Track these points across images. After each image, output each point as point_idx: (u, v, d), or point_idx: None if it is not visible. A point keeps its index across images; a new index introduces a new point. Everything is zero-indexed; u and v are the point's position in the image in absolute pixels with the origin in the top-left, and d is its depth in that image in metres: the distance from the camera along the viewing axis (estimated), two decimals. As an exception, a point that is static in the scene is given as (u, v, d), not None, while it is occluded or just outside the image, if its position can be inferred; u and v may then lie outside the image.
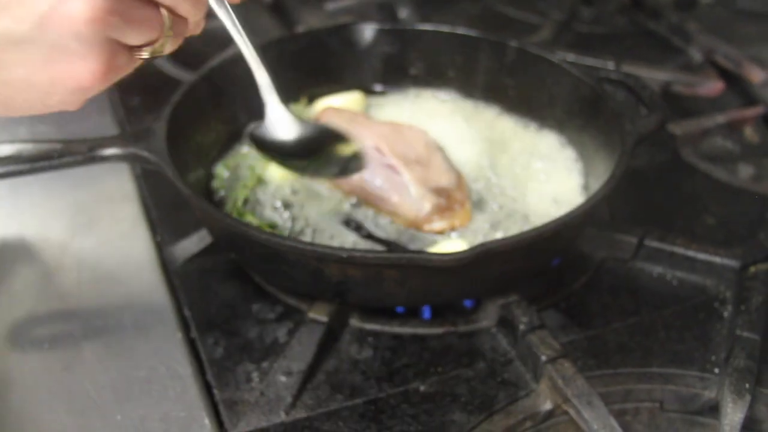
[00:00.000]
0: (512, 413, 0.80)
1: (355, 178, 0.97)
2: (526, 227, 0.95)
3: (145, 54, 0.67)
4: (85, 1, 0.59)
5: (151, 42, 0.66)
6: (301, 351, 0.84)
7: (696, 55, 1.30)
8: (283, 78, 1.05)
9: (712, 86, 1.22)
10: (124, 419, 0.80)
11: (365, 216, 0.99)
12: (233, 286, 0.93)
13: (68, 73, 0.62)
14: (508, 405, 0.81)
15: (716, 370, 0.83)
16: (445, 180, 1.00)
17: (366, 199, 1.00)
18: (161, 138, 0.91)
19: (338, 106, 1.10)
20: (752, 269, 0.91)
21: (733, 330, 0.85)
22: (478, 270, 0.82)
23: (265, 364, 0.85)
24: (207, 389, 0.83)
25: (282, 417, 0.80)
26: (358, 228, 0.97)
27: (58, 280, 0.91)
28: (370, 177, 0.99)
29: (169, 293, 0.92)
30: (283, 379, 0.82)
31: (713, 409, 0.81)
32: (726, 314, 0.89)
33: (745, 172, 1.12)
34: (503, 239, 0.81)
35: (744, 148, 1.17)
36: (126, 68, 0.67)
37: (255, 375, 0.84)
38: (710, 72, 1.26)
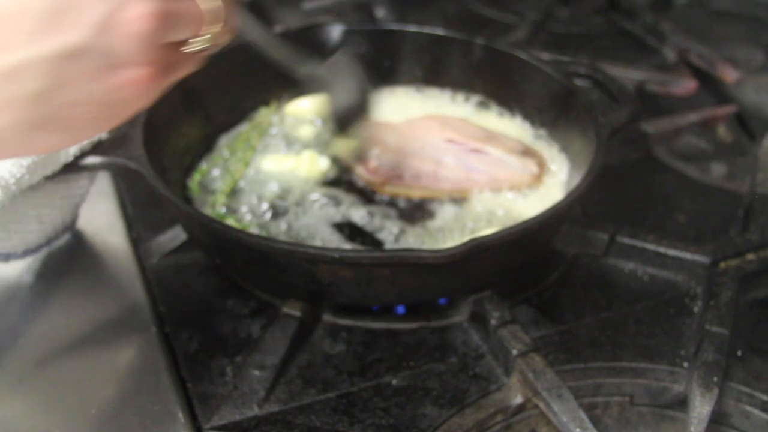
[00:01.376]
0: (483, 407, 0.81)
1: (457, 176, 1.01)
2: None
3: (192, 48, 0.67)
4: (143, 3, 0.60)
5: (194, 35, 0.66)
6: (274, 346, 0.85)
7: (670, 55, 1.31)
8: (253, 81, 1.07)
9: (686, 85, 1.23)
10: (98, 413, 0.80)
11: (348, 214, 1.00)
12: (208, 282, 0.94)
13: (128, 81, 0.62)
14: (479, 399, 0.81)
15: (685, 364, 0.84)
16: (516, 143, 1.06)
17: (473, 188, 1.02)
18: (139, 144, 0.90)
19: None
20: (722, 265, 0.92)
21: (702, 325, 0.86)
22: (468, 265, 0.83)
23: (238, 359, 0.85)
24: (181, 383, 0.83)
25: (255, 411, 0.80)
26: (346, 229, 0.98)
27: (32, 274, 0.91)
28: (467, 168, 1.02)
29: (145, 289, 0.92)
30: (256, 373, 0.83)
31: (682, 403, 0.82)
32: (696, 309, 0.90)
33: (717, 170, 1.13)
34: (495, 233, 0.82)
35: (717, 147, 1.18)
36: (182, 68, 0.67)
37: (228, 369, 0.84)
38: (684, 71, 1.27)
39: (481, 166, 1.02)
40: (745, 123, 1.22)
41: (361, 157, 1.02)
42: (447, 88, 1.19)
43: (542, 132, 1.11)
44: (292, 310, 0.87)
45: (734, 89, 1.26)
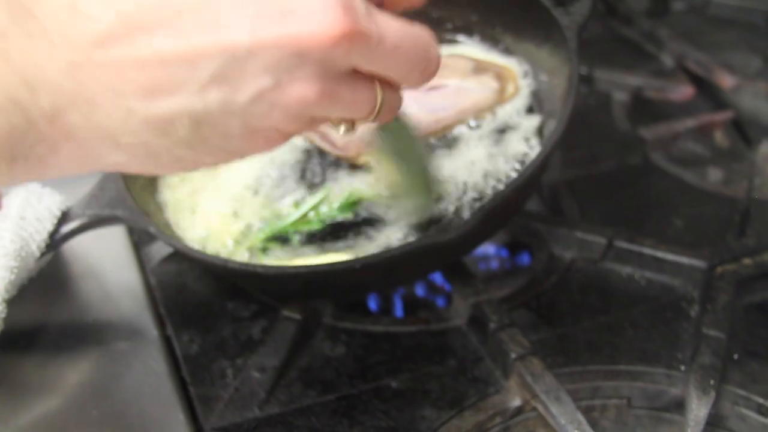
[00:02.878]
0: (482, 409, 0.81)
1: (426, 122, 0.97)
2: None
3: (340, 131, 0.65)
4: (311, 84, 0.55)
5: (356, 120, 0.64)
6: (274, 348, 0.85)
7: (668, 61, 1.31)
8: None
9: (683, 91, 1.23)
10: (100, 415, 0.81)
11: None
12: (208, 285, 0.95)
13: (258, 146, 0.60)
14: (478, 401, 0.82)
15: (682, 368, 0.85)
16: (464, 62, 1.04)
17: (443, 129, 0.99)
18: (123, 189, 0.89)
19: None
20: (719, 270, 0.93)
21: (700, 328, 0.87)
22: (478, 234, 0.84)
23: (239, 361, 0.86)
24: (182, 385, 0.84)
25: (256, 412, 0.81)
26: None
27: (35, 279, 0.92)
28: (431, 110, 0.99)
29: (146, 292, 0.93)
30: (256, 375, 0.83)
31: (679, 406, 0.82)
32: (693, 313, 0.91)
33: (714, 175, 1.14)
34: (498, 194, 0.82)
35: (714, 153, 1.19)
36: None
37: (229, 371, 0.85)
38: (681, 77, 1.27)
39: (443, 102, 1.00)
40: (742, 128, 1.22)
41: (324, 137, 0.99)
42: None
43: (499, 48, 1.08)
44: (292, 313, 0.87)
45: (731, 95, 1.26)
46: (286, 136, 0.60)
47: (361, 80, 0.59)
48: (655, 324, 0.90)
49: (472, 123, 1.00)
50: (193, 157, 0.58)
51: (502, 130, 0.98)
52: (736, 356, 0.86)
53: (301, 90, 0.55)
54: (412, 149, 0.79)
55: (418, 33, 0.60)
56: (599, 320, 0.91)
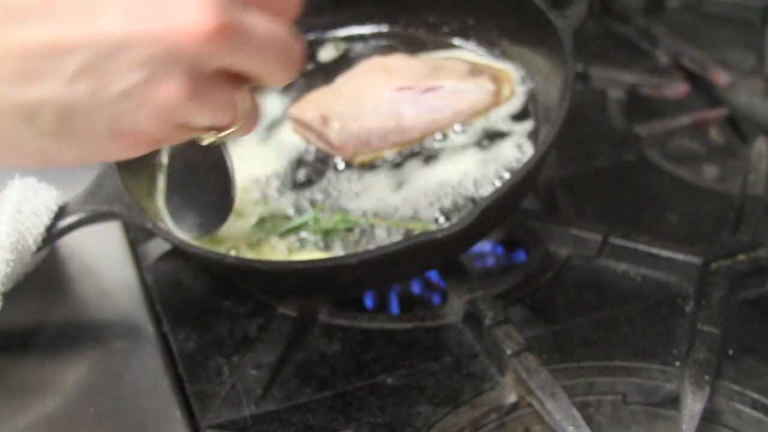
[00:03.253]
0: (477, 405, 0.82)
1: (422, 123, 0.99)
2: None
3: (207, 140, 0.65)
4: (181, 82, 0.55)
5: (221, 127, 0.64)
6: (270, 345, 0.86)
7: (663, 58, 1.32)
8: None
9: (678, 88, 1.24)
10: (97, 413, 0.81)
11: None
12: (205, 283, 0.95)
13: (123, 148, 0.60)
14: (473, 397, 0.82)
15: (678, 364, 0.85)
16: (461, 65, 1.04)
17: (438, 130, 1.00)
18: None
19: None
20: (713, 266, 0.93)
21: (694, 324, 0.87)
22: (474, 231, 0.84)
23: (235, 358, 0.86)
24: (178, 382, 0.84)
25: (252, 409, 0.81)
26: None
27: (31, 275, 0.92)
28: (427, 111, 1.00)
29: (142, 289, 0.93)
30: (253, 372, 0.84)
31: (674, 401, 0.83)
32: (688, 309, 0.91)
33: (709, 172, 1.15)
34: (494, 193, 0.82)
35: (709, 149, 1.19)
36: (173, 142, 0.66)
37: (225, 368, 0.85)
38: (676, 74, 1.27)
39: (439, 103, 1.00)
40: (736, 125, 1.23)
41: (321, 136, 0.99)
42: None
43: (495, 52, 1.08)
44: (288, 310, 0.88)
45: (726, 92, 1.27)
46: (151, 142, 0.60)
47: (227, 84, 0.60)
48: (651, 320, 0.91)
49: (458, 128, 1.00)
50: (56, 151, 0.59)
51: (495, 136, 0.99)
52: (731, 352, 0.87)
53: (171, 88, 0.55)
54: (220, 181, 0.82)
55: (284, 29, 0.60)
56: (594, 316, 0.91)
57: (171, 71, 0.55)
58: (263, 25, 0.58)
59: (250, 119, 0.66)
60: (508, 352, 0.83)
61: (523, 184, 0.85)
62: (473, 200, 0.92)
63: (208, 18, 0.53)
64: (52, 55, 0.53)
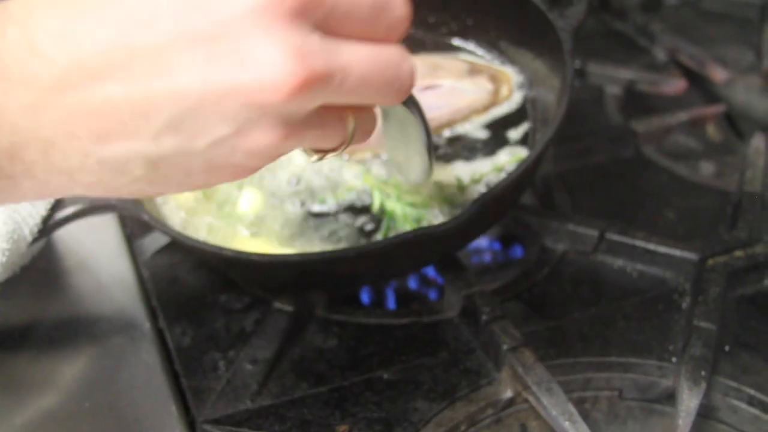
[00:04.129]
0: (474, 401, 0.82)
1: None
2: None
3: (312, 159, 0.63)
4: (272, 131, 0.53)
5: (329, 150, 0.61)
6: (266, 340, 0.86)
7: (660, 55, 1.32)
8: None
9: (676, 85, 1.24)
10: (93, 408, 0.81)
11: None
12: (201, 278, 0.95)
13: (225, 179, 0.58)
14: (470, 393, 0.82)
15: (674, 359, 0.85)
16: (460, 64, 1.04)
17: (437, 128, 1.00)
18: None
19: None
20: (710, 262, 0.93)
21: (691, 320, 0.87)
22: (473, 226, 0.84)
23: (231, 353, 0.86)
24: (175, 378, 0.84)
25: (248, 404, 0.81)
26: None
27: (28, 268, 0.92)
28: (426, 109, 0.98)
29: (138, 284, 0.93)
30: (249, 367, 0.84)
31: (671, 397, 0.82)
32: (684, 305, 0.91)
33: (706, 169, 1.14)
34: (494, 188, 0.82)
35: (706, 146, 1.19)
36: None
37: (221, 363, 0.85)
38: (674, 71, 1.27)
39: (437, 101, 1.01)
40: (734, 122, 1.23)
41: None
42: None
43: (493, 53, 1.08)
44: (284, 305, 0.88)
45: (724, 89, 1.27)
46: (254, 169, 0.58)
47: (329, 114, 0.57)
48: (647, 316, 0.90)
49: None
50: (155, 190, 0.58)
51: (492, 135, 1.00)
52: (727, 348, 0.87)
53: (263, 137, 0.53)
54: (416, 132, 0.77)
55: (386, 55, 0.56)
56: (591, 312, 0.91)
57: (259, 123, 0.52)
58: (361, 58, 0.54)
59: (363, 130, 0.61)
60: (505, 347, 0.82)
61: (522, 180, 0.85)
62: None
63: (293, 69, 0.50)
64: (134, 113, 0.51)
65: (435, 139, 0.99)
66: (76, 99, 0.51)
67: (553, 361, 0.84)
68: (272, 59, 0.50)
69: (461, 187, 0.93)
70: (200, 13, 0.50)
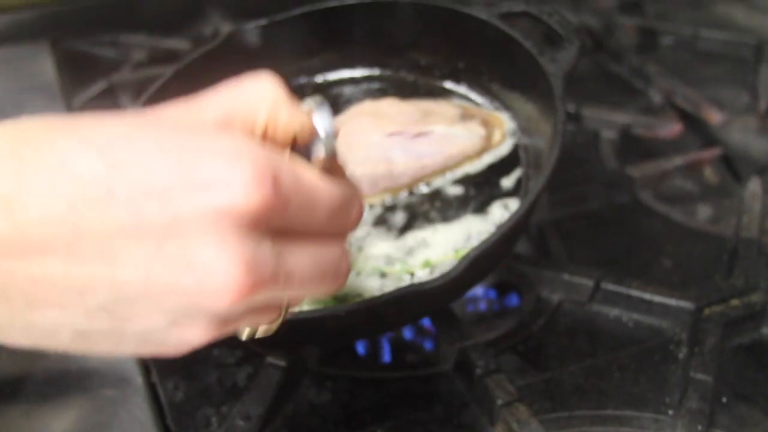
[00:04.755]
0: (468, 457, 0.81)
1: (412, 168, 0.98)
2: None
3: (245, 335, 0.61)
4: (206, 330, 0.53)
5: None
6: (259, 395, 0.85)
7: (656, 97, 1.32)
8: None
9: (671, 128, 1.23)
10: (83, 463, 0.81)
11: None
12: (194, 331, 0.94)
13: (160, 349, 0.56)
14: (463, 448, 0.82)
15: (670, 412, 0.84)
16: (452, 109, 1.03)
17: (429, 176, 0.99)
18: None
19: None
20: (707, 311, 0.92)
21: (687, 372, 0.86)
22: (465, 281, 0.83)
23: (224, 408, 0.85)
24: (167, 433, 0.84)
25: (240, 462, 0.81)
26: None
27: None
28: (417, 156, 0.99)
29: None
30: (241, 423, 0.83)
31: (667, 451, 0.82)
32: (681, 356, 0.90)
33: (703, 213, 1.14)
34: (485, 242, 0.79)
35: (703, 189, 1.19)
36: None
37: (214, 419, 0.84)
38: (670, 114, 1.27)
39: (429, 149, 1.00)
40: (731, 164, 1.23)
41: None
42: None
43: (485, 96, 1.08)
44: (277, 359, 0.87)
45: (720, 130, 1.27)
46: (186, 352, 0.57)
47: (265, 306, 0.56)
48: (643, 367, 0.90)
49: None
50: (82, 352, 0.55)
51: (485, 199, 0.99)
52: (724, 399, 0.86)
53: (198, 331, 0.53)
54: None
55: (329, 257, 0.56)
56: (586, 363, 0.90)
57: (196, 320, 0.52)
58: (306, 262, 0.54)
59: (296, 302, 0.61)
60: (499, 402, 0.82)
61: (513, 232, 0.84)
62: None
63: (240, 280, 0.50)
64: (69, 290, 0.50)
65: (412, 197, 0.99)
66: (14, 266, 0.49)
67: (549, 415, 0.84)
68: (221, 268, 0.49)
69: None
70: (157, 204, 0.49)
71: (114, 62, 1.48)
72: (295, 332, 0.82)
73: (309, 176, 0.55)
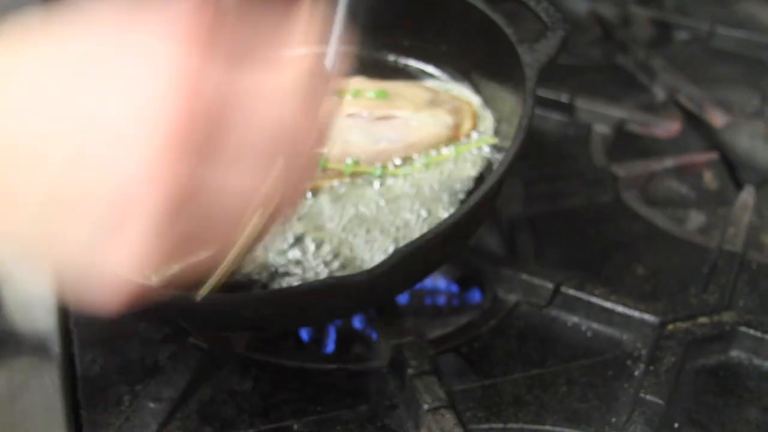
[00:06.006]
0: (384, 463, 0.76)
1: (368, 152, 0.92)
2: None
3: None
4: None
5: None
6: (174, 377, 0.80)
7: (660, 94, 1.24)
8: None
9: (669, 127, 1.16)
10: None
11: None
12: (125, 302, 0.89)
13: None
14: (381, 454, 0.76)
15: (614, 434, 0.78)
16: (422, 93, 0.98)
17: (386, 160, 0.94)
18: None
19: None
20: (670, 327, 0.86)
21: (637, 392, 0.80)
22: (394, 277, 0.77)
23: (138, 387, 0.80)
24: (75, 408, 0.79)
25: (143, 446, 0.76)
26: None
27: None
28: (376, 140, 0.93)
29: (58, 304, 0.88)
30: (151, 405, 0.78)
31: (605, 476, 0.76)
32: (637, 373, 0.84)
33: (695, 220, 1.07)
34: (418, 239, 0.73)
35: (699, 194, 1.11)
36: None
37: (126, 398, 0.80)
38: (672, 112, 1.20)
39: (390, 134, 0.94)
40: (734, 171, 1.15)
41: None
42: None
43: (464, 83, 1.02)
44: (200, 341, 0.82)
45: (727, 134, 1.19)
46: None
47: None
48: (593, 382, 0.83)
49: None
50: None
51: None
52: (676, 425, 0.80)
53: (135, 240, 0.50)
54: None
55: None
56: (532, 373, 0.84)
57: (133, 216, 0.49)
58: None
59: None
60: (425, 407, 0.76)
61: (452, 233, 0.76)
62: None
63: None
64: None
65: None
66: None
67: (479, 425, 0.78)
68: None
69: None
70: None
71: None
72: (212, 317, 0.77)
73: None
